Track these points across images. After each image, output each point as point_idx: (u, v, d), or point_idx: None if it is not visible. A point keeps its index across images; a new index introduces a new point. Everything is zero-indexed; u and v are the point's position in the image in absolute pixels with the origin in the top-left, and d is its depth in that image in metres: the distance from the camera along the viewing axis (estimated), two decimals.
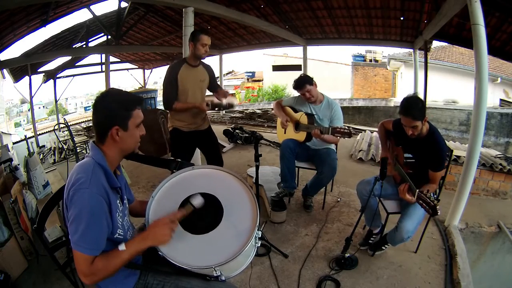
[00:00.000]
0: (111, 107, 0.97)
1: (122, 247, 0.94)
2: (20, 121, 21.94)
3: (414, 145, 1.81)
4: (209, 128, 2.44)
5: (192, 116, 2.27)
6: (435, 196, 1.48)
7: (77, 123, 9.48)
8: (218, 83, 2.62)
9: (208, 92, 2.46)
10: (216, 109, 2.35)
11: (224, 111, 8.00)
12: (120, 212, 1.02)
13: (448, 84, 9.22)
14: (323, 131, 2.19)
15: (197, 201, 1.07)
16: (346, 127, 2.14)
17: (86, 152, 1.03)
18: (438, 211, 1.43)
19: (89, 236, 0.87)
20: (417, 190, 1.54)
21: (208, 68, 2.35)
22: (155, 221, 1.00)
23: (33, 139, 7.17)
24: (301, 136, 2.46)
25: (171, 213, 1.03)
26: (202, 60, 2.28)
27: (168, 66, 2.27)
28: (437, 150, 1.71)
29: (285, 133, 2.58)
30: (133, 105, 1.00)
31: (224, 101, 2.27)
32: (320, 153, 2.46)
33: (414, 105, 1.64)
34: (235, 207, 1.14)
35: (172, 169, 1.35)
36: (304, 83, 2.36)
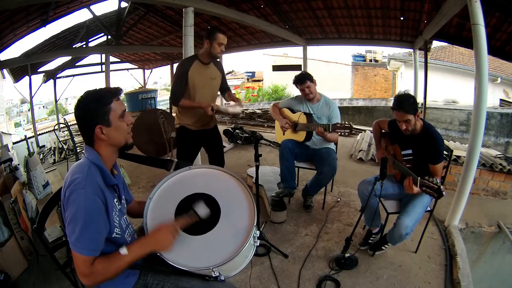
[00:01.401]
0: (88, 108, 0.96)
1: (124, 251, 0.94)
2: (20, 121, 21.89)
3: (410, 142, 1.84)
4: (215, 127, 2.42)
5: (200, 114, 2.24)
6: (438, 180, 1.49)
7: (76, 124, 9.47)
8: None
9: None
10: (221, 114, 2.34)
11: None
12: (117, 211, 1.01)
13: (448, 84, 9.22)
14: (325, 129, 2.21)
15: (203, 211, 1.05)
16: (346, 122, 2.15)
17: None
18: (443, 191, 1.43)
19: (86, 237, 0.87)
20: (419, 177, 1.55)
21: (219, 66, 2.31)
22: (158, 227, 1.00)
23: (33, 139, 7.16)
24: (300, 136, 2.47)
25: (175, 221, 1.03)
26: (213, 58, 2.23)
27: (179, 61, 2.23)
28: (434, 143, 1.74)
29: (283, 134, 2.58)
30: (110, 98, 0.98)
31: (230, 109, 2.23)
32: (320, 153, 2.46)
33: (405, 100, 1.71)
34: (233, 207, 1.14)
35: (169, 169, 1.35)
36: (305, 78, 2.38)
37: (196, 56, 2.19)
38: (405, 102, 1.70)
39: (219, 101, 3.66)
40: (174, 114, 2.39)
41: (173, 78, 2.19)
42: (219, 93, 2.41)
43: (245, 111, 7.99)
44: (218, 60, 2.32)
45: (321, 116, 2.46)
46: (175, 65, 10.46)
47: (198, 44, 2.62)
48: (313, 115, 2.45)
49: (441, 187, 1.44)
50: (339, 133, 2.18)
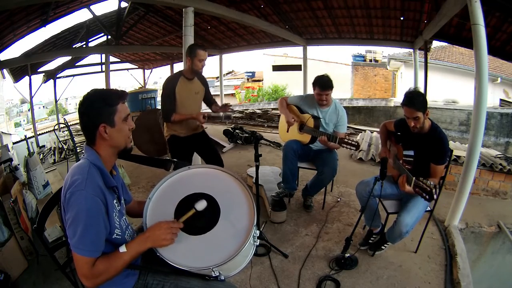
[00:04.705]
0: (94, 107, 0.96)
1: (123, 248, 0.94)
2: (20, 121, 21.89)
3: (416, 141, 1.83)
4: (204, 131, 2.51)
5: (187, 124, 2.35)
6: (431, 183, 1.49)
7: (77, 123, 9.47)
8: (218, 84, 2.64)
9: (204, 106, 2.51)
10: (214, 120, 2.37)
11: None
12: (117, 212, 1.02)
13: (448, 84, 9.21)
14: (330, 139, 2.19)
15: (199, 205, 1.05)
16: (353, 140, 2.12)
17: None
18: (434, 195, 1.44)
19: (87, 238, 0.87)
20: (414, 178, 1.55)
21: (203, 81, 2.41)
22: (157, 224, 1.00)
23: (33, 139, 7.17)
24: (305, 138, 2.45)
25: (174, 220, 1.03)
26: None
27: (166, 78, 2.33)
28: (440, 144, 1.74)
29: (287, 131, 2.57)
30: (116, 100, 0.99)
31: (222, 113, 2.31)
32: (321, 154, 2.45)
33: (416, 96, 1.72)
34: (232, 207, 1.13)
35: (168, 169, 1.35)
36: (329, 86, 2.32)
37: (181, 73, 2.29)
38: (416, 99, 1.71)
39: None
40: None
41: (162, 97, 2.27)
42: (206, 106, 2.52)
43: (245, 111, 7.99)
44: (202, 75, 2.40)
45: (329, 121, 2.43)
46: (175, 65, 10.46)
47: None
48: (321, 119, 2.42)
49: (433, 190, 1.44)
50: (344, 147, 2.15)
